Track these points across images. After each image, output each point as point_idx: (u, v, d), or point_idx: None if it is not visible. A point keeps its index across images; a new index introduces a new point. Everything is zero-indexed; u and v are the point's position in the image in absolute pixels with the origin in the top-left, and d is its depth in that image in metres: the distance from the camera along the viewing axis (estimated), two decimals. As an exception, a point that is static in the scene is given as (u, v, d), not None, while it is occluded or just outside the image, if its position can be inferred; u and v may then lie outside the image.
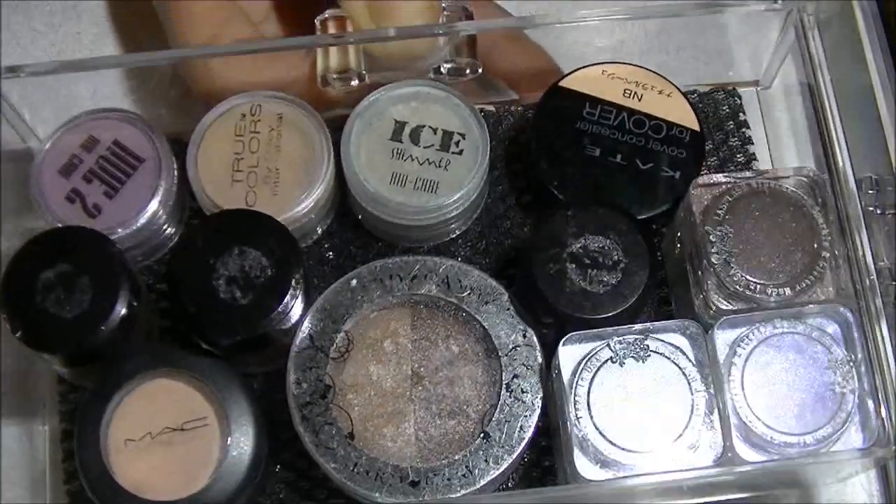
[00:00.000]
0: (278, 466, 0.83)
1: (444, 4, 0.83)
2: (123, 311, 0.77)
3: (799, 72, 0.83)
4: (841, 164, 0.80)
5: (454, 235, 0.86)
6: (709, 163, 0.88)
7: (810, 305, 0.79)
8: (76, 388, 0.84)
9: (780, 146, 0.90)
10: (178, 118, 0.88)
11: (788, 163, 0.88)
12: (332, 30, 0.83)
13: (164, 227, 0.84)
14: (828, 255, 0.79)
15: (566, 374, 0.78)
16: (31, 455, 0.85)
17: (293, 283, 0.78)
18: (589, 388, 0.77)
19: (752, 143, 0.89)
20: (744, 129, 0.90)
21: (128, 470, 0.78)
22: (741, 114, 0.90)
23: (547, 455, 0.83)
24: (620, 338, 0.78)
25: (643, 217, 0.82)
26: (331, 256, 0.86)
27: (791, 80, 0.86)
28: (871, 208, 0.81)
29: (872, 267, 0.78)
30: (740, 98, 0.90)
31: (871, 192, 0.81)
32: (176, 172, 0.83)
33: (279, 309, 0.78)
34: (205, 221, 0.80)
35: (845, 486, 0.86)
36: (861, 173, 0.82)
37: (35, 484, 0.84)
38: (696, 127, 0.84)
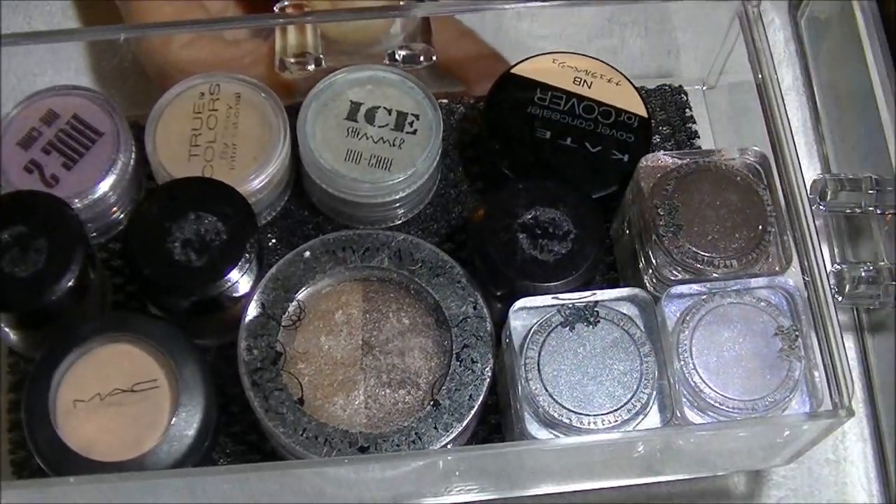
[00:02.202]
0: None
1: (400, -12, 0.86)
2: (77, 272, 0.77)
3: (745, 67, 0.85)
4: (788, 155, 0.81)
5: (403, 220, 0.87)
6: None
7: (757, 278, 0.81)
8: (25, 359, 0.83)
9: (725, 141, 0.92)
10: (134, 104, 0.88)
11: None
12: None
13: (117, 206, 0.85)
14: (773, 230, 0.81)
15: (517, 339, 0.78)
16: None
17: (247, 247, 0.79)
18: (539, 352, 0.78)
19: (699, 138, 0.91)
20: (690, 125, 0.92)
21: (76, 431, 0.77)
22: (687, 109, 0.92)
23: (496, 434, 0.83)
24: (571, 303, 0.79)
25: (593, 198, 0.84)
26: (282, 237, 0.87)
27: (737, 76, 0.88)
28: (871, 208, 0.84)
29: (817, 242, 0.80)
30: (686, 94, 0.92)
31: (871, 192, 0.84)
32: (134, 148, 0.84)
33: (233, 272, 0.78)
34: (162, 188, 0.81)
35: (845, 487, 0.87)
36: (861, 173, 0.84)
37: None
38: (644, 113, 0.86)
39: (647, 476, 0.83)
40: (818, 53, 0.95)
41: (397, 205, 0.85)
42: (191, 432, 0.78)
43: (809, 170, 0.92)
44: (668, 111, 0.92)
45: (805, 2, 0.95)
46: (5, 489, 0.73)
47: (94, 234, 0.85)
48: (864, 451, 0.88)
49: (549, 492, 0.84)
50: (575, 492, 0.84)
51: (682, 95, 0.92)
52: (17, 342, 0.83)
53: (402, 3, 0.86)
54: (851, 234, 0.90)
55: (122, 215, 0.86)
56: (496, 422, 0.84)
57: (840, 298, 0.83)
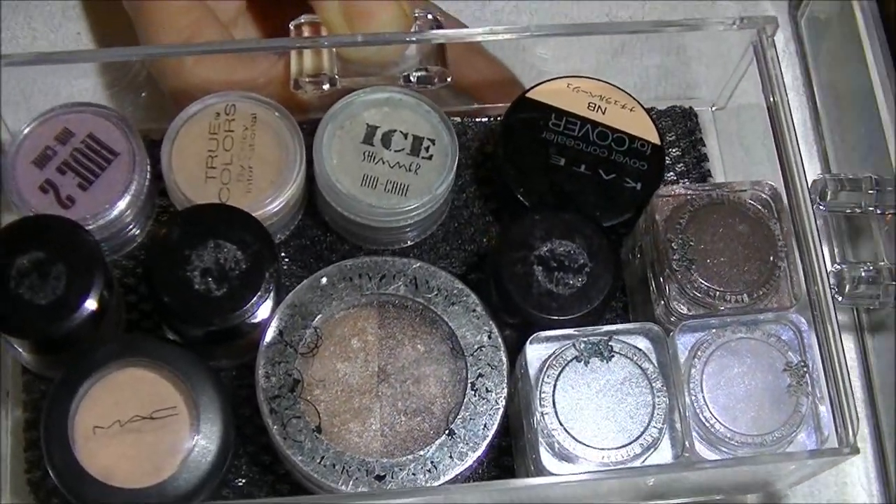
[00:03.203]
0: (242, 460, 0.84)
1: (415, 14, 0.86)
2: (97, 299, 0.78)
3: (754, 92, 0.86)
4: (798, 182, 0.82)
5: (415, 241, 0.88)
6: (666, 178, 0.91)
7: (766, 313, 0.82)
8: (40, 378, 0.84)
9: (734, 164, 0.93)
10: (148, 118, 0.88)
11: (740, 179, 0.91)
12: (306, 34, 0.85)
13: (133, 223, 0.85)
14: (783, 265, 0.82)
15: (532, 372, 0.80)
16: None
17: (267, 276, 0.79)
18: (554, 386, 0.79)
19: (707, 161, 0.92)
20: (699, 147, 0.93)
21: (95, 457, 0.78)
22: (697, 132, 0.93)
23: (507, 455, 0.85)
24: (586, 338, 0.80)
25: (604, 226, 0.85)
26: (296, 257, 0.88)
27: (746, 99, 0.89)
28: (871, 208, 0.84)
29: (826, 277, 0.81)
30: (696, 116, 0.93)
31: (871, 192, 0.85)
32: (149, 168, 0.84)
33: (252, 301, 0.79)
34: (181, 214, 0.81)
35: (845, 487, 0.89)
36: (861, 173, 0.85)
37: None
38: (657, 141, 0.87)
39: (651, 500, 0.85)
40: (818, 53, 0.95)
41: (411, 229, 0.86)
42: (209, 458, 0.79)
43: (809, 170, 0.92)
44: (678, 133, 0.93)
45: (805, 2, 0.95)
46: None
47: (108, 251, 0.84)
48: (864, 451, 0.89)
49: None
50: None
51: (693, 118, 0.93)
52: (31, 363, 0.83)
53: (416, 25, 0.86)
54: (851, 234, 0.91)
55: (137, 231, 0.86)
56: (506, 444, 0.85)
57: (840, 298, 0.84)
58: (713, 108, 0.94)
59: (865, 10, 0.86)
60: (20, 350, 0.81)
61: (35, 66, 0.83)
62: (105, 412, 0.79)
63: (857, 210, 0.86)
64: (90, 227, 0.82)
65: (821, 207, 0.85)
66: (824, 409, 0.80)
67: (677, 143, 0.93)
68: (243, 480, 0.84)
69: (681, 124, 0.93)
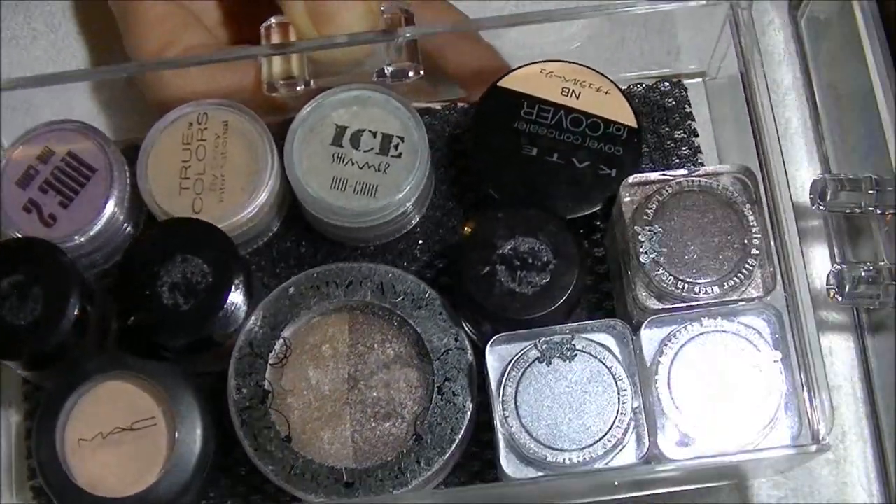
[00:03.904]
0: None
1: (383, 8, 0.85)
2: (74, 317, 0.81)
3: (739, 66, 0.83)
4: (772, 160, 0.80)
5: (399, 235, 0.88)
6: (654, 156, 0.89)
7: (740, 303, 0.80)
8: (39, 387, 0.88)
9: (725, 138, 0.90)
10: (138, 125, 0.90)
11: (733, 154, 0.88)
12: (275, 37, 0.85)
13: (122, 229, 0.87)
14: (758, 252, 0.80)
15: (494, 375, 0.79)
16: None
17: (232, 288, 0.81)
18: (517, 388, 0.79)
19: (697, 136, 0.90)
20: (689, 122, 0.90)
21: (83, 468, 0.82)
22: (686, 106, 0.90)
23: (489, 449, 0.85)
24: (547, 338, 0.79)
25: (581, 215, 0.84)
26: (278, 259, 0.89)
27: (736, 71, 0.86)
28: (871, 208, 0.82)
29: (801, 264, 0.79)
30: (686, 90, 0.90)
31: (871, 192, 0.82)
32: (129, 179, 0.86)
33: (219, 314, 0.80)
34: (150, 230, 0.83)
35: (845, 487, 0.88)
36: (861, 173, 0.83)
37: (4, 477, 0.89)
38: (634, 123, 0.84)
39: (632, 493, 0.84)
40: (818, 53, 0.92)
41: (388, 226, 0.86)
42: (189, 465, 0.81)
43: (809, 170, 0.89)
44: (667, 107, 0.90)
45: (805, 2, 0.92)
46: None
47: (101, 261, 0.87)
48: (864, 451, 0.88)
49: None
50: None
51: (682, 90, 0.90)
52: (27, 376, 0.87)
53: (385, 19, 0.85)
54: (851, 234, 0.88)
55: (125, 236, 0.87)
56: (489, 439, 0.85)
57: (840, 298, 0.82)
58: (706, 80, 0.91)
59: (865, 10, 0.83)
60: (14, 368, 0.85)
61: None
62: (89, 425, 0.82)
63: (857, 210, 0.83)
64: (76, 242, 0.84)
65: (821, 207, 0.82)
66: (801, 403, 0.78)
67: (666, 119, 0.90)
68: (229, 481, 0.86)
69: (669, 99, 0.90)
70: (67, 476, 0.81)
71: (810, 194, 0.82)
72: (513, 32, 0.87)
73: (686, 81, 0.91)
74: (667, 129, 0.90)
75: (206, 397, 0.83)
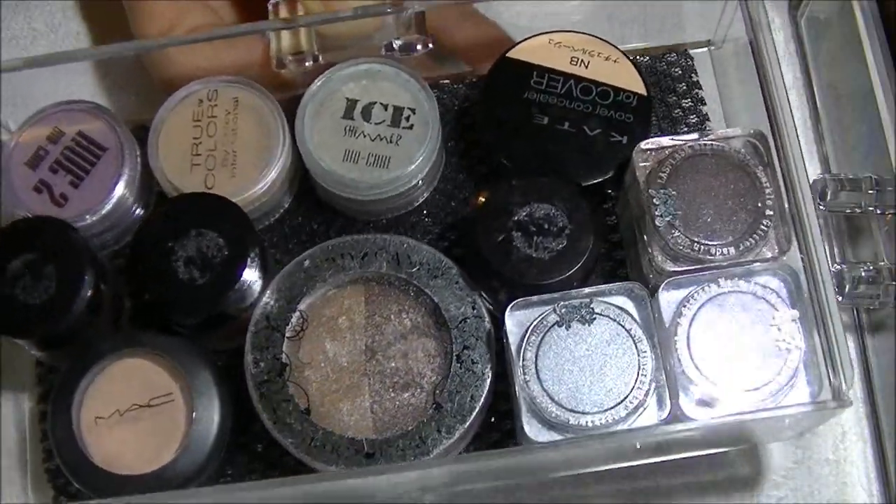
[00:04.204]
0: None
1: (391, -21, 0.85)
2: (88, 296, 0.80)
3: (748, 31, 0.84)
4: (783, 124, 0.80)
5: (412, 208, 0.88)
6: (662, 125, 0.90)
7: (755, 263, 0.80)
8: (53, 369, 0.87)
9: (732, 105, 0.90)
10: (145, 106, 0.90)
11: (741, 121, 0.89)
12: (283, 13, 0.85)
13: (133, 210, 0.87)
14: (772, 213, 0.80)
15: (514, 340, 0.80)
16: (11, 435, 0.88)
17: (248, 261, 0.80)
18: (537, 352, 0.79)
19: (705, 104, 0.90)
20: (696, 90, 0.90)
21: (99, 446, 0.81)
22: (693, 75, 0.91)
23: (507, 419, 0.85)
24: (566, 302, 0.79)
25: (593, 182, 0.84)
26: (292, 234, 0.88)
27: (743, 38, 0.86)
28: (871, 208, 0.83)
29: (815, 221, 0.79)
30: (692, 59, 0.91)
31: (871, 192, 0.83)
32: (139, 159, 0.86)
33: (236, 287, 0.80)
34: (162, 206, 0.83)
35: (845, 487, 0.88)
36: (861, 173, 0.83)
37: (18, 462, 0.88)
38: (644, 91, 0.85)
39: (652, 457, 0.84)
40: (818, 53, 0.93)
41: (400, 199, 0.86)
42: (207, 441, 0.81)
43: (809, 170, 0.89)
44: (674, 76, 0.91)
45: (805, 2, 0.93)
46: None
47: (111, 241, 0.87)
48: (864, 451, 0.88)
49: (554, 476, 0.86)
50: (578, 483, 0.86)
51: (688, 59, 0.91)
52: (41, 356, 0.86)
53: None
54: (851, 234, 0.89)
55: (135, 217, 0.87)
56: (507, 408, 0.85)
57: (840, 298, 0.82)
58: (711, 48, 0.92)
59: (865, 10, 0.84)
60: (28, 349, 0.84)
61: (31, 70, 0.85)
62: (105, 402, 0.82)
63: (857, 210, 0.84)
64: (88, 221, 0.84)
65: (821, 207, 0.83)
66: (820, 361, 0.78)
67: (673, 88, 0.90)
68: (247, 457, 0.86)
69: (676, 69, 0.91)
70: (84, 454, 0.81)
71: (811, 193, 0.82)
72: (517, 7, 0.88)
73: (692, 51, 0.91)
74: (674, 97, 0.90)
75: (220, 374, 0.83)
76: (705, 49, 0.92)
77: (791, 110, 0.80)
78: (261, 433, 0.83)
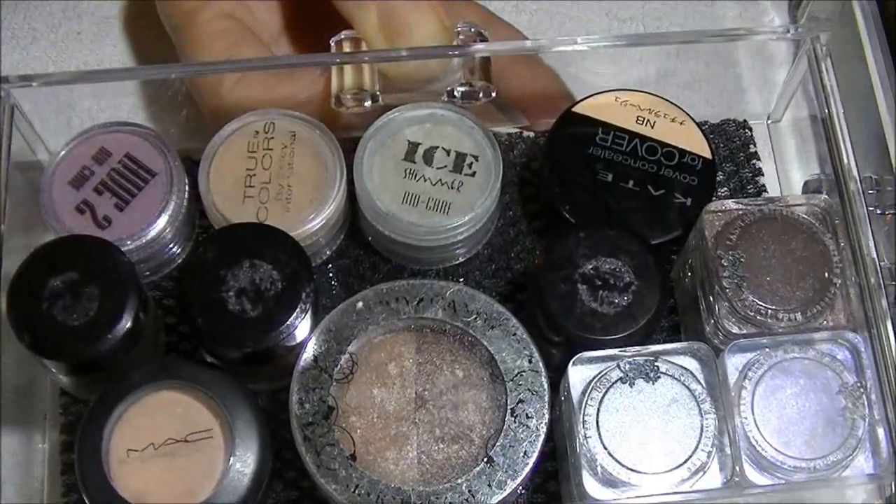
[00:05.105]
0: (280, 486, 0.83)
1: (458, 28, 0.84)
2: (130, 320, 0.76)
3: (810, 105, 0.83)
4: (854, 196, 0.80)
5: (462, 259, 0.86)
6: (720, 194, 0.88)
7: (821, 332, 0.79)
8: (78, 400, 0.83)
9: (789, 179, 0.90)
10: (188, 137, 0.87)
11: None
12: (347, 48, 0.83)
13: (173, 242, 0.83)
14: (839, 281, 0.79)
15: (575, 394, 0.77)
16: (28, 469, 0.83)
17: (303, 297, 0.77)
18: (598, 408, 0.77)
19: (763, 175, 0.90)
20: (754, 161, 0.90)
21: (129, 481, 0.77)
22: (751, 145, 0.90)
23: (553, 480, 0.82)
24: (630, 358, 0.77)
25: (654, 243, 0.82)
26: (337, 277, 0.86)
27: (801, 112, 0.86)
28: (871, 208, 0.81)
29: (884, 294, 0.78)
30: (751, 130, 0.91)
31: (871, 192, 0.82)
32: (187, 188, 0.83)
33: (288, 322, 0.77)
34: (217, 233, 0.80)
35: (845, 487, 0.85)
36: (861, 173, 0.82)
37: (32, 497, 0.83)
38: (709, 155, 0.84)
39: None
40: None
41: (455, 247, 0.84)
42: (244, 483, 0.77)
43: (809, 170, 0.89)
44: (732, 147, 0.90)
45: (805, 2, 0.92)
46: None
47: (147, 273, 0.84)
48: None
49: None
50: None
51: (747, 131, 0.90)
52: (68, 384, 0.82)
53: (459, 38, 0.84)
54: None
55: (177, 250, 0.85)
56: (552, 468, 0.82)
57: None
58: (769, 122, 0.91)
59: (865, 10, 0.84)
60: (57, 372, 0.80)
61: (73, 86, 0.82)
62: (139, 435, 0.78)
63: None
64: (128, 247, 0.81)
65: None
66: (882, 432, 0.77)
67: (732, 158, 0.90)
68: (283, 504, 0.82)
69: (735, 139, 0.90)
70: (111, 488, 0.76)
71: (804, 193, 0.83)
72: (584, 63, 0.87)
73: (751, 122, 0.91)
74: (732, 167, 0.90)
75: (263, 415, 0.79)
76: (764, 121, 0.92)
77: (861, 183, 0.80)
78: (297, 479, 0.80)
